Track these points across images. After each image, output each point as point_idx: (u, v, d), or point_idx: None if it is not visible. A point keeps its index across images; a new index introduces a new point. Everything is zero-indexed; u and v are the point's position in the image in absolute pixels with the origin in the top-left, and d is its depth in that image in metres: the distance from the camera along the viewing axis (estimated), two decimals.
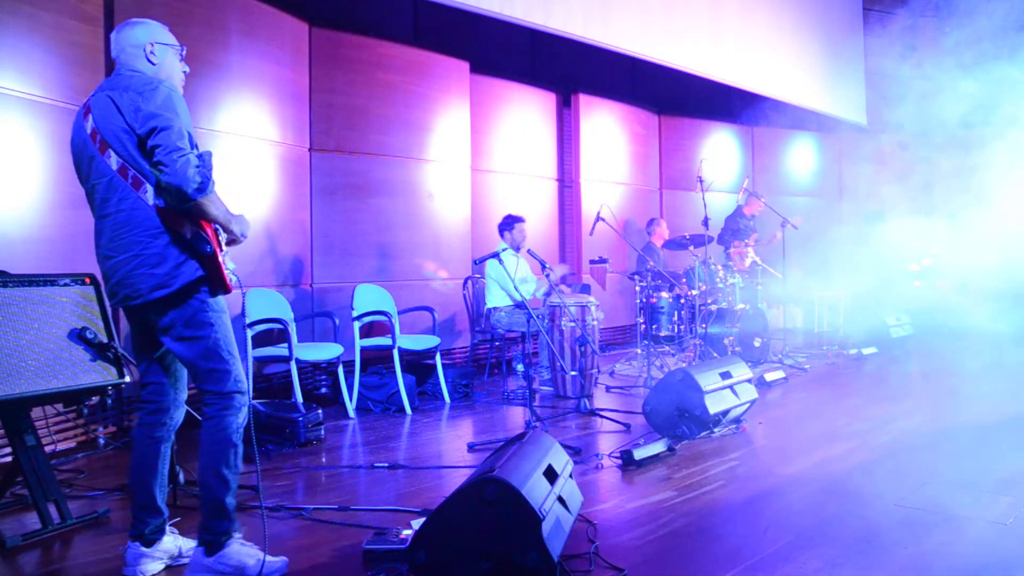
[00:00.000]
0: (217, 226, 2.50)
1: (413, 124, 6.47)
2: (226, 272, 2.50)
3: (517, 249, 6.21)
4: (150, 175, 2.38)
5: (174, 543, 2.63)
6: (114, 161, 2.41)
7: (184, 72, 2.66)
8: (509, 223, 6.28)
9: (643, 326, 6.89)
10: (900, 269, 8.87)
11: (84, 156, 2.48)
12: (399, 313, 5.63)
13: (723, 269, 7.26)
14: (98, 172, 2.45)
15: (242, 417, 2.57)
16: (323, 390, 5.69)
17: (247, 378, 4.69)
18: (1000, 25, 8.99)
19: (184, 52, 2.68)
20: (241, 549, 2.50)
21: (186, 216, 2.41)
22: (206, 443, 2.52)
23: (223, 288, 2.53)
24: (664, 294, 7.17)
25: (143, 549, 2.55)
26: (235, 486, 2.53)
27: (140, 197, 2.41)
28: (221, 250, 2.53)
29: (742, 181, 8.79)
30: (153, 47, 2.56)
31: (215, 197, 2.42)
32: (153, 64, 2.56)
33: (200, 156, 2.37)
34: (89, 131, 2.43)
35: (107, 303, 3.18)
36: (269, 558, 2.50)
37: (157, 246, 2.41)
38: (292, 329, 4.93)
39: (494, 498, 2.30)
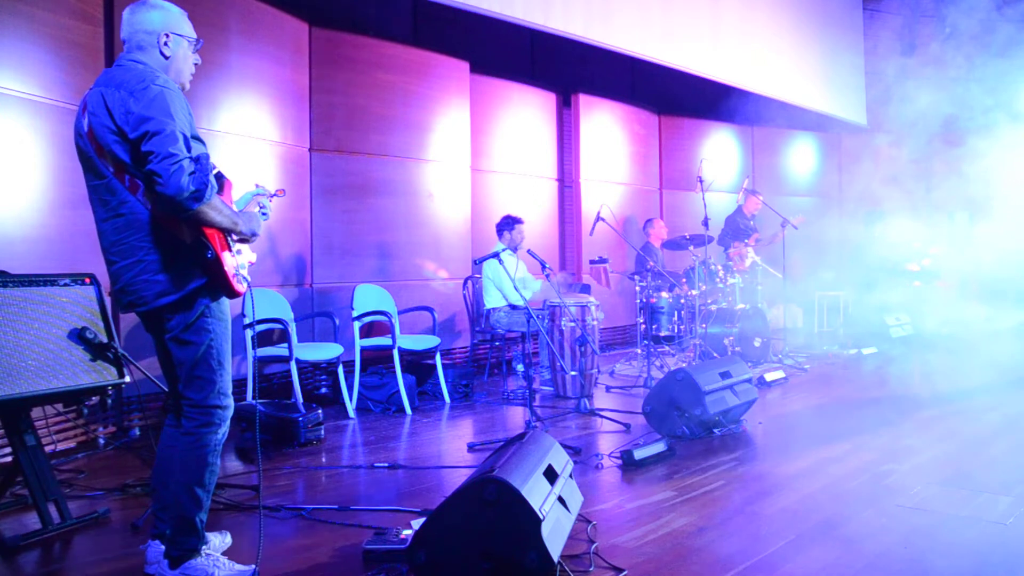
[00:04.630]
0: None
1: (413, 124, 6.46)
2: (232, 276, 2.40)
3: (515, 249, 6.21)
4: (145, 179, 2.27)
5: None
6: (110, 162, 2.30)
7: (195, 64, 2.53)
8: (509, 224, 6.28)
9: (643, 326, 6.89)
10: (900, 269, 8.87)
11: (84, 155, 2.38)
12: (399, 313, 5.63)
13: (723, 269, 7.26)
14: (96, 173, 2.35)
15: (221, 433, 2.48)
16: (323, 390, 5.69)
17: (250, 378, 4.72)
18: (999, 24, 8.99)
19: (200, 45, 2.53)
20: (207, 560, 2.44)
21: (185, 221, 2.30)
22: (181, 458, 2.43)
23: (229, 293, 2.44)
24: (664, 294, 7.18)
25: (164, 547, 2.52)
26: (207, 504, 2.47)
27: (137, 201, 2.31)
28: (230, 249, 2.44)
29: (742, 181, 8.79)
30: (168, 38, 2.42)
31: (216, 202, 2.32)
32: (166, 57, 2.42)
33: (196, 160, 2.25)
34: (85, 130, 2.33)
35: (107, 301, 3.19)
36: (237, 566, 2.46)
37: (158, 252, 2.32)
38: (292, 329, 4.93)
39: (494, 498, 2.30)
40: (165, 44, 2.42)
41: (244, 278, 2.48)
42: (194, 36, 2.51)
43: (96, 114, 2.30)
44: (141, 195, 2.32)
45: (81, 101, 2.39)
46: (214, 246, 2.36)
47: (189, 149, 2.28)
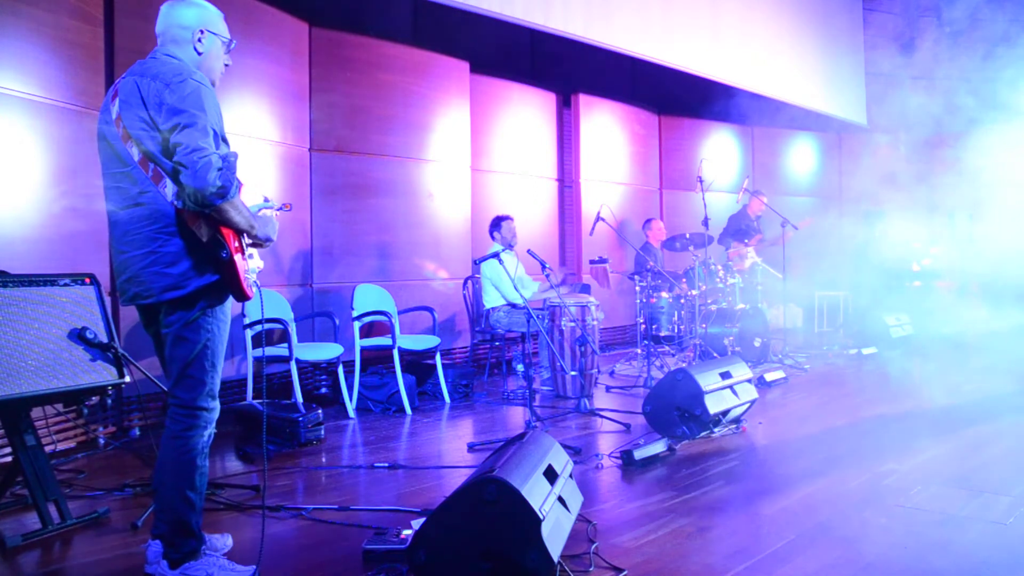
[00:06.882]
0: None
1: (413, 124, 6.46)
2: (244, 278, 2.40)
3: (511, 247, 6.22)
4: (171, 170, 2.28)
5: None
6: (135, 151, 2.30)
7: (226, 65, 2.55)
8: (496, 223, 6.33)
9: (643, 326, 6.89)
10: (900, 269, 8.87)
11: (106, 142, 2.37)
12: (399, 313, 5.63)
13: (723, 269, 7.26)
14: (119, 161, 2.34)
15: (207, 435, 2.46)
16: (323, 390, 5.69)
17: (250, 378, 4.72)
18: (997, 22, 8.99)
19: (232, 47, 2.56)
20: (207, 561, 2.45)
21: (204, 217, 2.31)
22: (170, 463, 2.41)
23: (240, 295, 2.43)
24: (664, 294, 7.18)
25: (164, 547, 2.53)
26: (200, 506, 2.47)
27: (160, 192, 2.31)
28: (243, 252, 2.44)
29: (742, 181, 8.79)
30: (203, 34, 2.45)
31: (238, 202, 2.33)
32: (199, 53, 2.45)
33: (224, 158, 2.25)
34: (114, 116, 2.33)
35: (107, 301, 3.19)
36: (237, 566, 2.46)
37: (173, 246, 2.32)
38: (292, 329, 4.93)
39: (494, 498, 2.29)
40: (199, 40, 2.45)
41: (254, 282, 2.49)
42: (228, 36, 2.55)
43: (128, 101, 2.30)
44: (163, 186, 2.32)
45: (111, 88, 2.39)
46: (229, 246, 2.36)
47: (218, 147, 2.29)
